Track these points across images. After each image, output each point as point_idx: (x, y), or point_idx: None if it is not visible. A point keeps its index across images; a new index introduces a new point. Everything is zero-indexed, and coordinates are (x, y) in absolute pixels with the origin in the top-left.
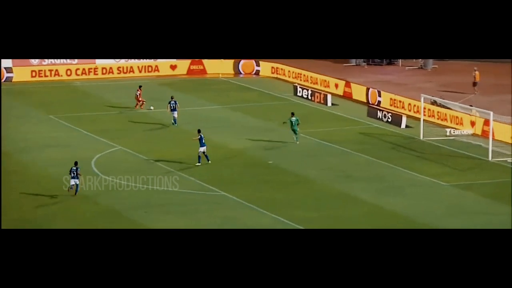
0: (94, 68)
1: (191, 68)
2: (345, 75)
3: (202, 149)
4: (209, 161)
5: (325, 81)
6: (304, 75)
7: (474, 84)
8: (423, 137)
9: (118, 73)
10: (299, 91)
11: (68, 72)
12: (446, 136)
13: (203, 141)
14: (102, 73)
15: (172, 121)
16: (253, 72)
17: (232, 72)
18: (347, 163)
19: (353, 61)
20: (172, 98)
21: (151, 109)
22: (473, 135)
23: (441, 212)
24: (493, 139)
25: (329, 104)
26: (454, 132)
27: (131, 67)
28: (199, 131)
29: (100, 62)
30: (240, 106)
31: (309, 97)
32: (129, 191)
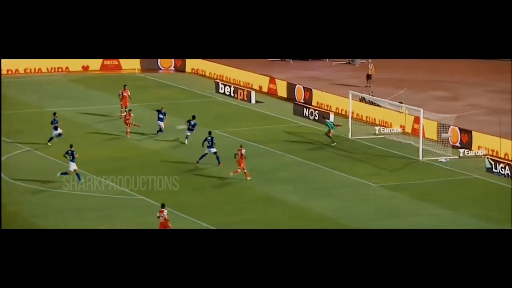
0: None
1: (104, 63)
2: (269, 70)
3: (212, 150)
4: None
5: (249, 77)
6: (227, 70)
7: (368, 77)
8: (352, 135)
9: (24, 69)
10: (221, 87)
11: None
12: (375, 134)
13: (209, 143)
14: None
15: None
16: (172, 67)
17: (139, 67)
18: (272, 164)
19: None
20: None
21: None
22: (403, 133)
23: (371, 214)
24: (423, 137)
25: (253, 101)
26: (383, 130)
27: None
28: (209, 132)
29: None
30: (158, 104)
31: (232, 94)
32: (38, 195)
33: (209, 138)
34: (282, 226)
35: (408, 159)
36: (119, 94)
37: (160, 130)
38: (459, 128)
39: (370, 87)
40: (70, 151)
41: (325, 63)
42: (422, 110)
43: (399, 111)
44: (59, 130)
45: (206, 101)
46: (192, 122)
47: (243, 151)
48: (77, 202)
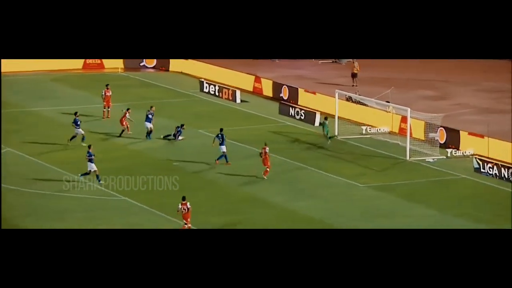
0: None
1: (87, 62)
2: (255, 69)
3: (223, 148)
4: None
5: (234, 75)
6: (212, 69)
7: (353, 75)
8: (338, 135)
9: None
10: (206, 86)
11: None
12: (362, 134)
13: (220, 139)
14: None
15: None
16: (155, 65)
17: (122, 66)
18: (258, 165)
19: None
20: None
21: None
22: (390, 133)
23: (357, 214)
24: (410, 137)
25: (238, 100)
26: (370, 130)
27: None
28: (221, 130)
29: None
30: (141, 103)
31: (217, 93)
32: (20, 196)
33: (220, 135)
34: (269, 226)
35: (395, 159)
36: (102, 94)
37: (149, 133)
38: (444, 128)
39: (356, 86)
40: (88, 152)
41: (311, 62)
42: (409, 109)
43: (386, 111)
44: (78, 132)
45: (190, 100)
46: (179, 129)
47: (267, 149)
48: (60, 203)
